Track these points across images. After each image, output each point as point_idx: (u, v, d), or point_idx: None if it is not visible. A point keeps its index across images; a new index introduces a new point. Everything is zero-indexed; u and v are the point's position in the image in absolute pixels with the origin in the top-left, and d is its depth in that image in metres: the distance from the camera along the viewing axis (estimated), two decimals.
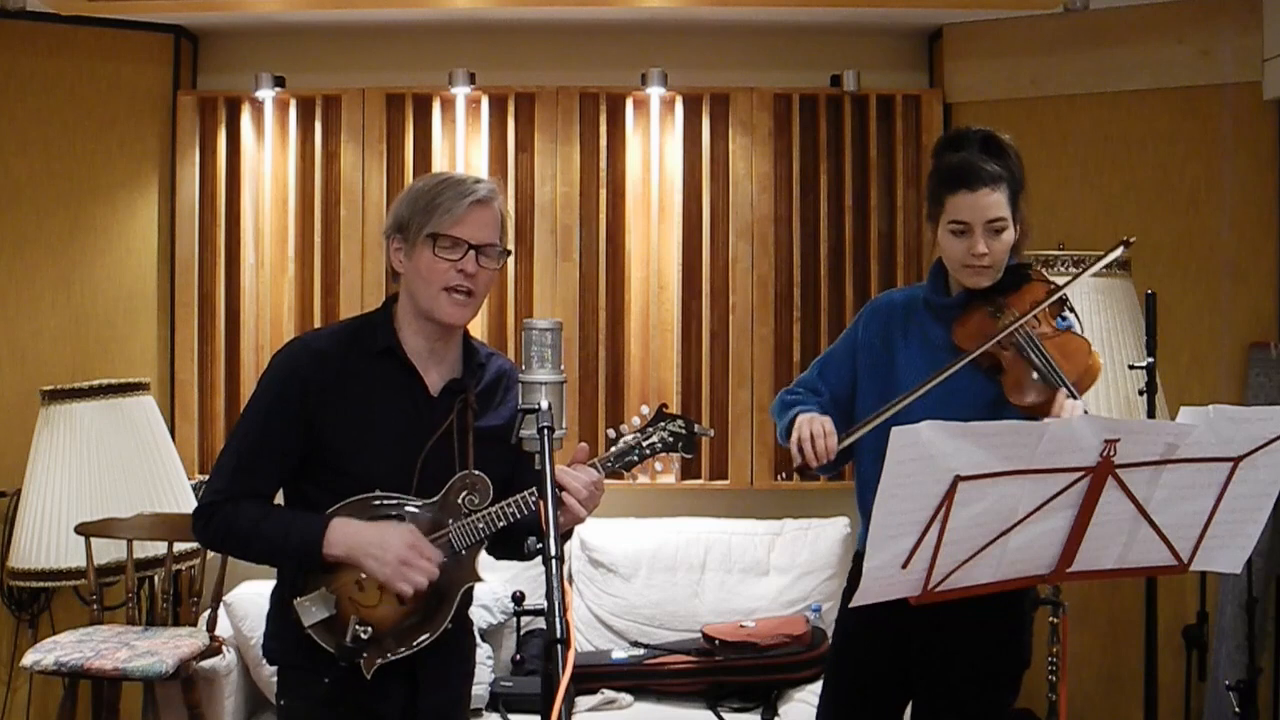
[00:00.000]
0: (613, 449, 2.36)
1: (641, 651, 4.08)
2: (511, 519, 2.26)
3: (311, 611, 2.23)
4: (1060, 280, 2.58)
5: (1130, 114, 4.34)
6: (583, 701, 3.86)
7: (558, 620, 1.70)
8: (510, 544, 2.32)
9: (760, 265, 4.47)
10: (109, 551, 3.87)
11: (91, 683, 3.83)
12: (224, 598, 3.82)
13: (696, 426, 2.39)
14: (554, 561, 1.75)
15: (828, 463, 2.52)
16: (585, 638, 4.20)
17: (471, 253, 2.27)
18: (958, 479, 1.98)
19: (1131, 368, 3.54)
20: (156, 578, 4.12)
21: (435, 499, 2.28)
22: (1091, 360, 2.53)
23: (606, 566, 4.25)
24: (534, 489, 2.10)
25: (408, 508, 2.27)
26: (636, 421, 2.39)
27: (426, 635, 2.26)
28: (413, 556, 2.18)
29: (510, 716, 3.81)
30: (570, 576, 4.26)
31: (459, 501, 2.28)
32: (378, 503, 2.26)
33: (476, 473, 2.29)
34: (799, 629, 3.97)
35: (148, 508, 3.91)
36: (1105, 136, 4.37)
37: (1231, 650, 4.02)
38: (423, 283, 2.28)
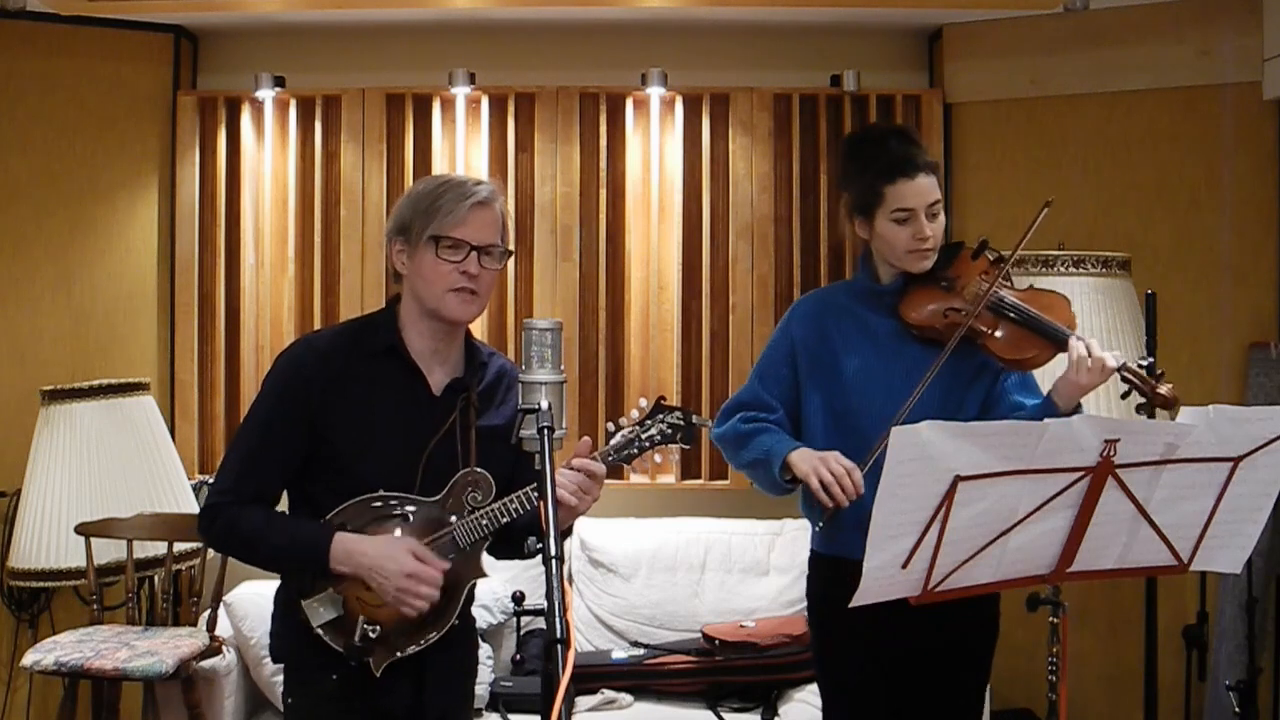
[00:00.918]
0: (611, 442, 2.36)
1: (641, 651, 4.08)
2: (515, 514, 2.27)
3: (320, 612, 2.23)
4: (1005, 251, 2.65)
5: (1130, 114, 4.34)
6: (583, 701, 3.86)
7: (558, 620, 1.70)
8: (511, 543, 2.32)
9: (760, 265, 4.47)
10: (109, 551, 3.87)
11: (91, 683, 3.83)
12: (224, 598, 3.82)
13: (695, 417, 2.39)
14: (554, 561, 1.75)
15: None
16: (585, 638, 4.20)
17: (474, 254, 2.28)
18: (958, 479, 1.98)
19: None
20: (156, 578, 4.12)
21: (439, 497, 2.29)
22: (1070, 310, 2.62)
23: (606, 566, 4.25)
24: (535, 485, 2.10)
25: (410, 507, 2.27)
26: (635, 414, 2.39)
27: (434, 632, 2.28)
28: (412, 585, 2.19)
29: (510, 716, 3.81)
30: (570, 576, 4.26)
31: (463, 499, 2.29)
32: (380, 504, 2.26)
33: (479, 470, 2.30)
34: (799, 629, 3.97)
35: (148, 508, 3.91)
36: (1105, 136, 4.37)
37: (1231, 650, 4.02)
38: (426, 284, 2.29)
